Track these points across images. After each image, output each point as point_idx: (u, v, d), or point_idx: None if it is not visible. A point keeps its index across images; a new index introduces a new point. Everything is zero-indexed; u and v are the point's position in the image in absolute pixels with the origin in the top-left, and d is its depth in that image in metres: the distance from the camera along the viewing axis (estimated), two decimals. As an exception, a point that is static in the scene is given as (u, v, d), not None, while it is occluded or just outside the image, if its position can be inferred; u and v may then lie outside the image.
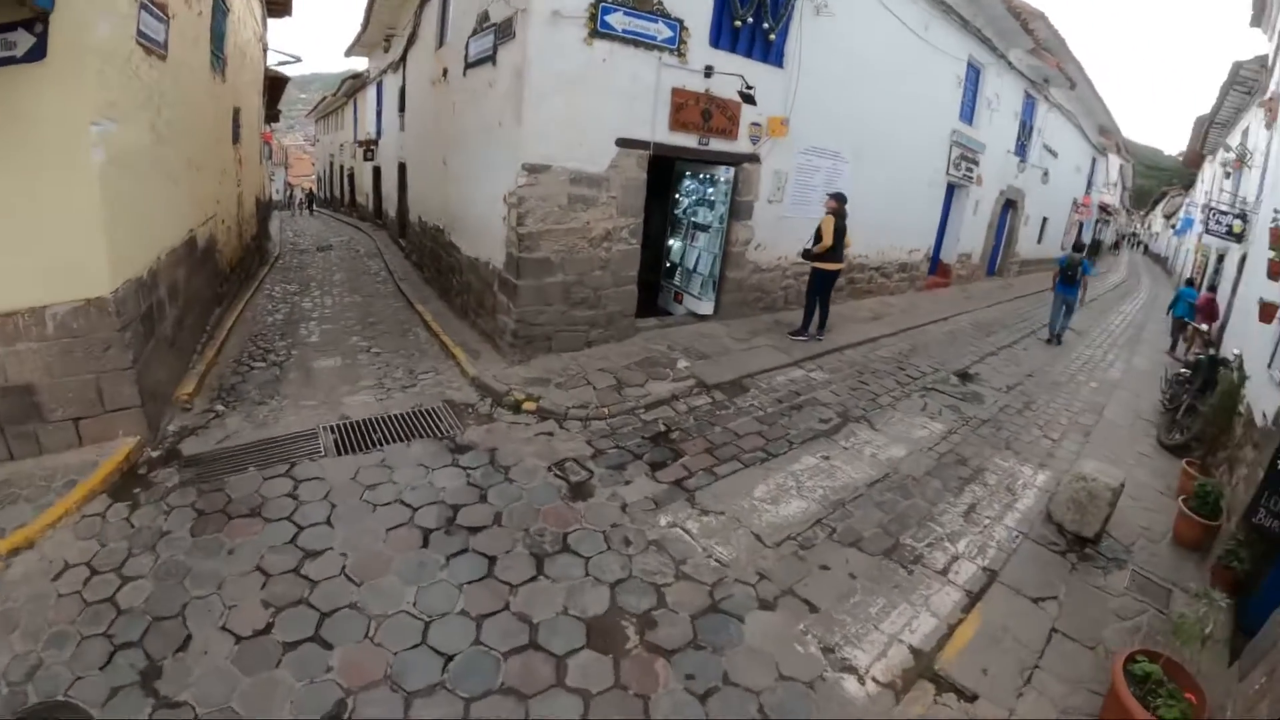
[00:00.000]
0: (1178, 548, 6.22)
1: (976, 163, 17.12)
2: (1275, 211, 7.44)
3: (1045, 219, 25.39)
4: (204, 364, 7.92)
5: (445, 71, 10.62)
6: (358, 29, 18.73)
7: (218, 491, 5.30)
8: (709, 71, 9.04)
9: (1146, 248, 63.50)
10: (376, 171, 22.14)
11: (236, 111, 12.07)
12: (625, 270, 8.86)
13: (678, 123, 8.85)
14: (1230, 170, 17.03)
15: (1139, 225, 70.45)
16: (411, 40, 14.39)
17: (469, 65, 9.16)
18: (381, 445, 6.25)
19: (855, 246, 12.35)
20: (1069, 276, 14.13)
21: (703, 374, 8.41)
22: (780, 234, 11.15)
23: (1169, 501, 7.12)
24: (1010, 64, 17.38)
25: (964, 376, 10.41)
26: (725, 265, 10.55)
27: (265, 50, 17.57)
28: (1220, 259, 16.87)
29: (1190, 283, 18.08)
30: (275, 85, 21.02)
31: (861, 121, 12.28)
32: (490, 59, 8.24)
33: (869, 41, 11.82)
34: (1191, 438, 8.44)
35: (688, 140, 9.14)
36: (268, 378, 7.99)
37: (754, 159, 10.21)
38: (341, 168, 32.57)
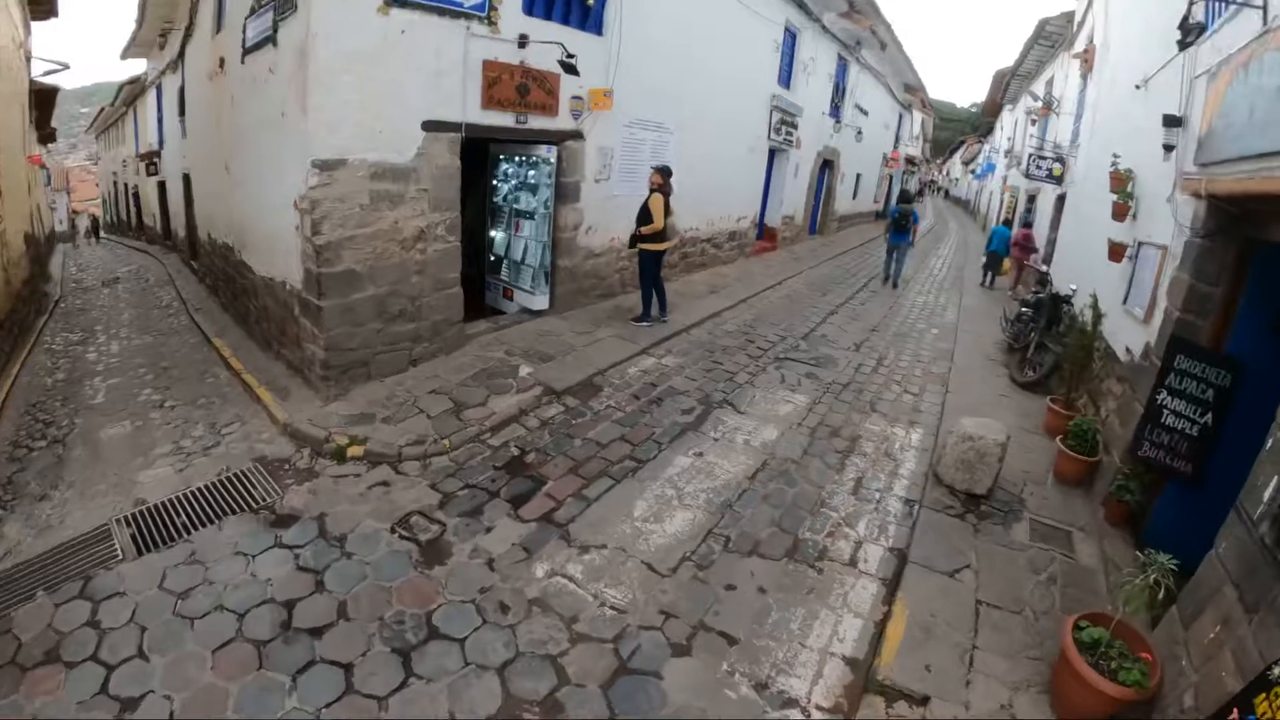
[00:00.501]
0: (1062, 486, 6.29)
1: (796, 126, 17.18)
2: (1115, 156, 7.53)
3: (859, 175, 26.31)
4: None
5: (222, 61, 9.01)
6: (132, 26, 16.21)
7: (4, 635, 3.97)
8: (524, 41, 8.02)
9: (947, 193, 68.46)
10: (161, 187, 19.30)
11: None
12: (446, 272, 7.72)
13: (492, 100, 7.78)
14: (1036, 117, 18.23)
15: (938, 173, 75.19)
16: (189, 32, 12.20)
17: (247, 50, 7.61)
18: (188, 533, 4.90)
19: (687, 219, 12.11)
20: (900, 226, 15.46)
21: (549, 379, 7.55)
22: (611, 214, 10.33)
23: (1040, 440, 7.25)
24: (824, 27, 17.58)
25: (813, 340, 10.42)
26: (556, 254, 9.61)
27: (28, 59, 15.07)
28: (1031, 199, 18.19)
29: (1005, 223, 19.31)
30: (44, 99, 18.09)
31: (685, 90, 11.67)
32: (270, 39, 6.80)
33: (690, 7, 11.28)
34: (1045, 374, 8.65)
35: (504, 119, 8.10)
36: (48, 461, 6.36)
37: (577, 135, 9.30)
38: (125, 186, 28.45)
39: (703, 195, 13.02)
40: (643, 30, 9.92)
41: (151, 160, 19.43)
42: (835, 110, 20.54)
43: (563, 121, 9.00)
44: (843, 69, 20.49)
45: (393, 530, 4.95)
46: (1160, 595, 3.54)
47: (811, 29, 16.94)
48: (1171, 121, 5.81)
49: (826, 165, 21.30)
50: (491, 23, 7.54)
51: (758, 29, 14.06)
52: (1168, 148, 5.86)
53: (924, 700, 3.70)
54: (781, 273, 15.38)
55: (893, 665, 3.90)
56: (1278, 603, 2.81)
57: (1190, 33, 4.80)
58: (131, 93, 22.10)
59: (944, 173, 75.31)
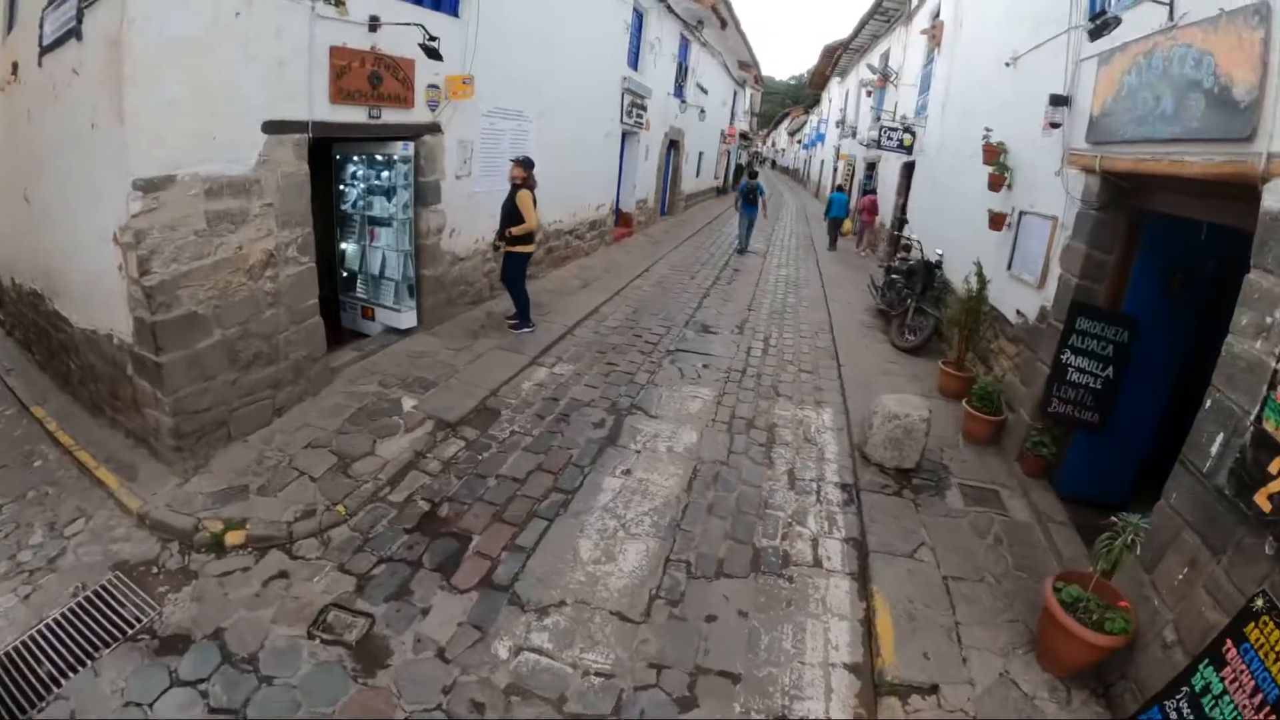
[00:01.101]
0: (974, 446, 6.64)
1: (645, 109, 16.87)
2: (987, 130, 8.02)
3: (701, 154, 26.54)
4: None
5: (15, 67, 7.21)
6: None
7: None
8: (375, 24, 6.93)
9: (774, 163, 70.83)
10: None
11: None
12: (302, 300, 6.58)
13: (341, 92, 6.68)
14: (872, 89, 19.25)
15: (762, 144, 77.75)
16: None
17: (46, 49, 6.01)
18: (57, 685, 3.68)
19: (551, 211, 11.77)
20: (749, 199, 17.00)
21: (438, 409, 6.70)
22: (474, 214, 9.43)
23: (940, 404, 7.50)
24: (669, 7, 17.29)
25: (696, 327, 10.32)
26: (420, 263, 8.57)
27: None
28: (871, 167, 19.46)
29: (840, 189, 20.66)
30: None
31: (543, 75, 10.89)
32: (74, 32, 5.30)
33: (546, -13, 10.50)
34: (926, 338, 9.03)
35: (356, 114, 7.01)
36: None
37: (435, 129, 8.31)
38: None
39: (565, 185, 12.38)
40: (499, 12, 9.03)
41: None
42: (679, 90, 20.33)
43: (419, 114, 7.99)
44: (685, 48, 20.32)
45: (310, 635, 3.99)
46: (1138, 552, 3.76)
47: (657, 9, 16.62)
48: (1058, 100, 6.15)
49: (673, 146, 21.18)
50: (339, 2, 6.44)
51: (609, 9, 13.49)
52: (1054, 125, 6.20)
53: (934, 689, 3.72)
54: (645, 259, 15.10)
55: (895, 663, 3.88)
56: (1243, 543, 3.09)
57: (1107, 26, 5.01)
58: None
59: (770, 143, 77.73)
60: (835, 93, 30.01)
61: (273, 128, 5.95)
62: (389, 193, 8.25)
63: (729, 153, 34.19)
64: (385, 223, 8.39)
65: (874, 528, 5.15)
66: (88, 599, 4.49)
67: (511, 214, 8.38)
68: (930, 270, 9.50)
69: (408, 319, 8.52)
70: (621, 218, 17.58)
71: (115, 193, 5.08)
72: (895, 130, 13.98)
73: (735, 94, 32.72)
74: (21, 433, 7.81)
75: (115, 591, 4.54)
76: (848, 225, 19.33)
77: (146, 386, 5.56)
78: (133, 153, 4.91)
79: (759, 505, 5.47)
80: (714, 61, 25.02)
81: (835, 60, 26.63)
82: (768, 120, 72.93)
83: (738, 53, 28.09)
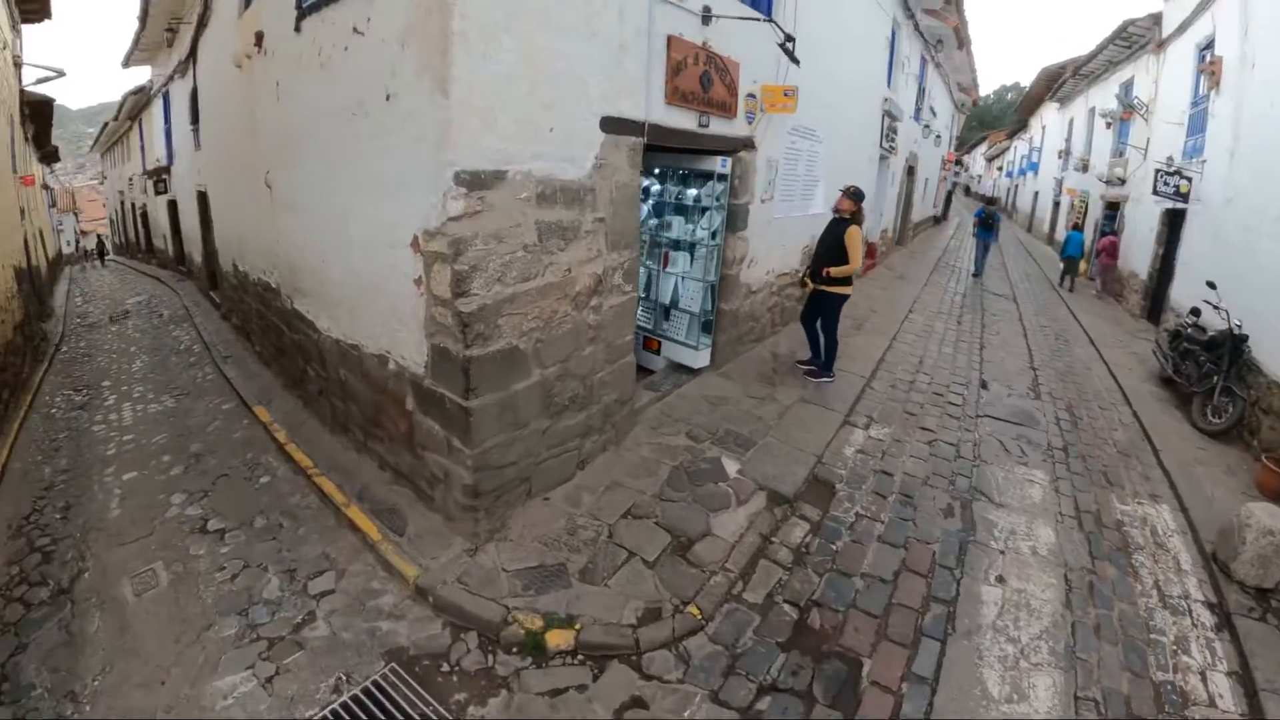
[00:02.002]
0: None
1: (897, 131, 15.00)
2: None
3: (926, 180, 23.95)
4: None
5: (259, 38, 6.46)
6: (135, 26, 13.59)
7: None
8: (707, 15, 5.64)
9: (968, 189, 66.63)
10: (172, 206, 16.66)
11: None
12: (621, 335, 5.32)
13: (676, 92, 5.38)
14: (1112, 121, 17.41)
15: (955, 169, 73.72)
16: (203, 20, 9.68)
17: (308, 9, 5.08)
18: None
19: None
20: (988, 224, 17.12)
21: (766, 477, 5.32)
22: (770, 243, 7.99)
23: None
24: (916, 25, 15.55)
25: (992, 386, 8.83)
26: (721, 296, 7.16)
27: (17, 65, 12.55)
28: (1113, 207, 17.65)
29: (1076, 227, 18.98)
30: (40, 111, 15.56)
31: (831, 91, 9.27)
32: None
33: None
34: (1233, 423, 7.72)
35: (686, 120, 5.69)
36: (54, 640, 4.06)
37: (749, 145, 6.88)
38: (133, 206, 25.69)
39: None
40: (802, 18, 7.49)
41: (160, 177, 16.91)
42: (917, 113, 18.35)
43: (738, 126, 6.60)
44: (923, 69, 18.32)
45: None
46: None
47: (907, 25, 14.79)
48: None
49: (909, 172, 19.04)
50: (675, -17, 5.14)
51: (876, 22, 11.69)
52: None
53: None
54: (901, 295, 13.38)
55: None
56: None
57: None
58: (136, 104, 19.42)
59: (964, 168, 73.47)
60: (1051, 119, 27.07)
61: (611, 126, 4.68)
62: (693, 213, 6.94)
63: (947, 178, 31.70)
64: (684, 247, 7.11)
65: (1256, 661, 4.36)
66: (356, 699, 3.32)
67: (834, 250, 6.88)
68: (1237, 344, 7.95)
69: (702, 357, 7.13)
70: (868, 248, 15.67)
71: (421, 186, 3.90)
72: (1171, 176, 11.85)
73: (954, 117, 30.13)
74: (242, 436, 6.99)
75: (393, 692, 3.36)
76: (1084, 266, 17.89)
77: (436, 429, 4.34)
78: (457, 136, 3.67)
79: (1142, 628, 4.62)
80: (941, 84, 22.86)
81: (1058, 85, 23.88)
82: (962, 144, 68.96)
83: (961, 74, 25.69)
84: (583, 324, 4.75)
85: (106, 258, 30.27)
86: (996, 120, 57.33)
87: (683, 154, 6.58)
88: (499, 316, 4.03)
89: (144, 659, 3.80)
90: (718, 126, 6.18)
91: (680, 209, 7.05)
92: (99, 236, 35.21)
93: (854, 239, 6.76)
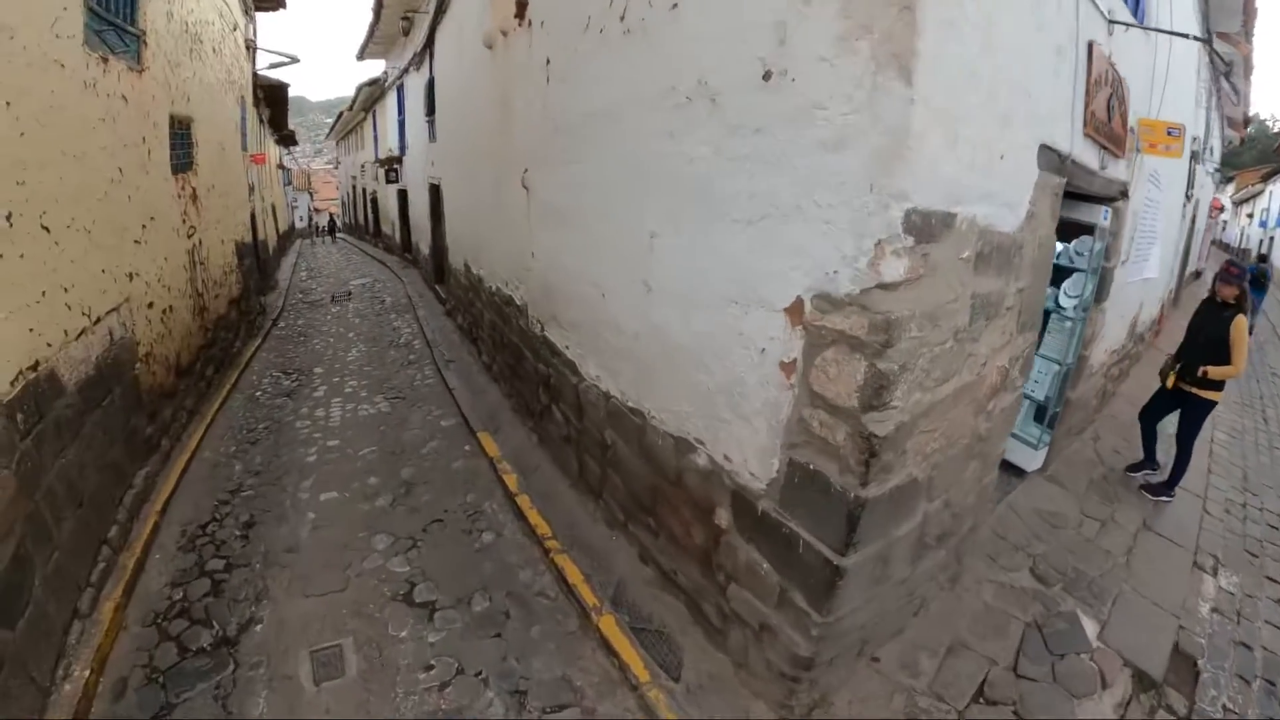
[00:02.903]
0: None
1: (1195, 175, 12.20)
2: None
3: (1199, 230, 20.32)
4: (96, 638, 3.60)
5: (521, 8, 5.35)
6: (370, 19, 13.49)
7: None
8: (1112, 23, 4.02)
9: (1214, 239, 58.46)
10: (402, 195, 16.91)
11: (179, 124, 7.07)
12: (1000, 444, 3.76)
13: (1092, 120, 3.79)
14: None
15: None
16: (441, 8, 9.11)
17: None
18: None
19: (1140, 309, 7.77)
20: (1258, 282, 14.06)
21: (1131, 650, 3.72)
22: (1116, 313, 6.06)
23: None
24: (1211, 51, 12.64)
25: None
26: (1071, 380, 5.37)
27: (252, 50, 12.66)
28: None
29: None
30: (274, 96, 16.05)
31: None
32: None
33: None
34: None
35: (1090, 156, 4.05)
36: (205, 714, 3.27)
37: (1125, 193, 5.08)
38: (364, 191, 27.08)
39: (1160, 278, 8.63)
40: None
41: (391, 167, 17.02)
42: (1204, 152, 15.30)
43: (1121, 169, 4.84)
44: (1212, 99, 15.30)
45: None
46: None
47: (1203, 49, 12.00)
48: None
49: (1191, 220, 16.02)
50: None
51: (1186, 46, 9.28)
52: None
53: None
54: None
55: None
56: None
57: None
58: (370, 96, 19.94)
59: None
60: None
61: (1045, 159, 3.16)
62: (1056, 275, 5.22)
63: (1211, 226, 27.22)
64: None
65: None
66: None
67: (1214, 343, 4.95)
68: None
69: (1038, 458, 5.35)
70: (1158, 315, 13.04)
71: (825, 221, 2.47)
72: None
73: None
74: (462, 467, 5.94)
75: None
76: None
77: (767, 571, 3.02)
78: (916, 152, 2.22)
79: None
80: (1216, 118, 19.40)
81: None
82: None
83: (1233, 107, 21.88)
84: (976, 434, 3.23)
85: (337, 233, 31.95)
86: (1243, 159, 49.67)
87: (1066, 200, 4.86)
88: (908, 439, 2.59)
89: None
90: (1112, 168, 4.48)
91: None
92: (330, 215, 37.70)
93: (1240, 333, 4.83)
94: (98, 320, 4.71)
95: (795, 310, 2.59)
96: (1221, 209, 31.74)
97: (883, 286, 2.24)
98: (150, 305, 5.82)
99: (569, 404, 4.90)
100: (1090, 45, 3.61)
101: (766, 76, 2.61)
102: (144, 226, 5.73)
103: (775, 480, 2.81)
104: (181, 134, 7.14)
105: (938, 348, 2.53)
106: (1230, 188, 48.40)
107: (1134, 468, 5.76)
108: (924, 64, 2.11)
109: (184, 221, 6.99)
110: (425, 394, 7.77)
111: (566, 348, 4.92)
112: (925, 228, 2.26)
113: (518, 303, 6.22)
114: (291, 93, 16.82)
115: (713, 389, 3.14)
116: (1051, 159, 3.20)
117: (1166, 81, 5.38)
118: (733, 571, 3.16)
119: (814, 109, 2.39)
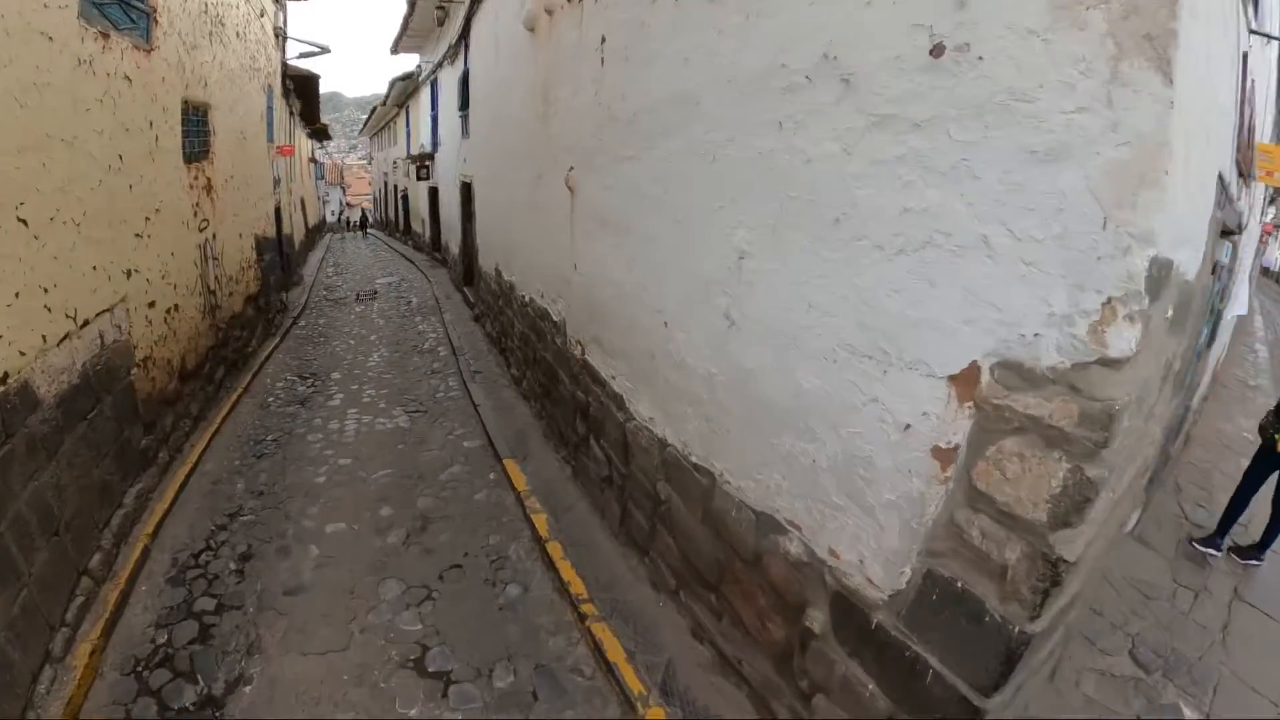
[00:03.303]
0: None
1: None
2: None
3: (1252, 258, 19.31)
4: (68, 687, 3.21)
5: None
6: (404, 10, 12.98)
7: None
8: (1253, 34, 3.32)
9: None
10: (433, 193, 16.41)
11: (194, 109, 6.54)
12: (1126, 517, 3.32)
13: (1240, 144, 3.24)
14: None
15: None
16: None
17: None
18: None
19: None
20: None
21: None
22: (1213, 355, 5.42)
23: None
24: None
25: None
26: (1173, 435, 4.72)
27: (281, 38, 12.16)
28: None
29: None
30: (304, 87, 15.59)
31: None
32: None
33: None
34: None
35: (1234, 185, 3.37)
36: None
37: (1240, 225, 4.39)
38: (395, 188, 26.70)
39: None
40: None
41: (423, 163, 16.51)
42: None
43: (1244, 197, 4.18)
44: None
45: None
46: None
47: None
48: None
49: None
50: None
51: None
52: None
53: None
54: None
55: None
56: None
57: None
58: (403, 90, 19.46)
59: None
60: None
61: (1217, 192, 2.56)
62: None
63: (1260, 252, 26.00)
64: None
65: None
66: None
67: None
68: None
69: (1134, 517, 4.64)
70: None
71: (1024, 263, 1.78)
72: None
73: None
74: (485, 499, 5.28)
75: None
76: None
77: (872, 695, 2.35)
78: (1170, 184, 1.54)
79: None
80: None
81: None
82: None
83: None
84: (1119, 523, 2.55)
85: (368, 228, 31.71)
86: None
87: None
88: (1086, 558, 1.90)
89: None
90: (1243, 196, 3.85)
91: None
92: (363, 209, 37.45)
93: None
94: (85, 323, 4.15)
95: (966, 380, 1.90)
96: (1272, 231, 30.45)
97: (1105, 363, 1.58)
98: (151, 304, 5.27)
99: (612, 443, 4.25)
100: (1245, 56, 2.96)
101: (936, 51, 1.92)
102: (147, 219, 5.18)
103: (902, 592, 2.14)
104: (197, 120, 6.60)
105: (1133, 430, 1.85)
106: (1273, 210, 46.89)
107: (1205, 541, 5.04)
108: (1183, 55, 1.46)
109: (195, 214, 6.44)
110: (448, 408, 7.16)
111: (613, 378, 4.27)
112: (1158, 281, 1.59)
113: (554, 318, 5.59)
114: (327, 88, 16.42)
115: (821, 464, 2.45)
116: (1219, 191, 2.52)
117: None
118: (822, 683, 2.49)
119: (1014, 101, 1.71)
